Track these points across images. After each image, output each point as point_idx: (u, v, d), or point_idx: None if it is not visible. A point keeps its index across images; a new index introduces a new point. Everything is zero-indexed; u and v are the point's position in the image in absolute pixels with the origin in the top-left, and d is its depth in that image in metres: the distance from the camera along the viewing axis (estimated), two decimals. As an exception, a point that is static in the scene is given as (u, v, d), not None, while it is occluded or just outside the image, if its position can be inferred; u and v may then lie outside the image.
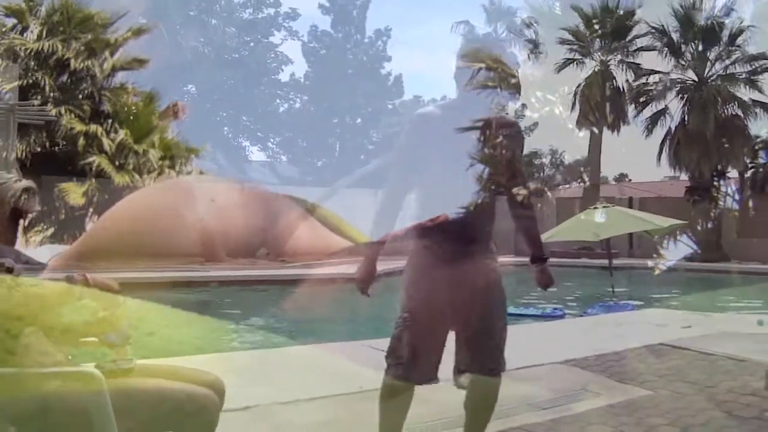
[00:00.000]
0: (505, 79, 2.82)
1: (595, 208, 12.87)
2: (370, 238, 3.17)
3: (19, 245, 2.58)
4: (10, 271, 2.33)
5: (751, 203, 22.12)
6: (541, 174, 26.22)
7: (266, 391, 4.32)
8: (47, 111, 18.03)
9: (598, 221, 12.36)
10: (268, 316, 10.28)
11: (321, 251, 17.29)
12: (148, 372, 2.47)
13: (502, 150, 2.78)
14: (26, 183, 2.62)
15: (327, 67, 58.12)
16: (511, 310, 6.21)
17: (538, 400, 4.21)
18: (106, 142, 19.22)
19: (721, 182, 21.72)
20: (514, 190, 2.91)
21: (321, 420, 3.91)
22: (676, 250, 21.04)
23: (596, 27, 23.08)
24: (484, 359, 2.91)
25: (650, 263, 13.60)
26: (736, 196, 22.24)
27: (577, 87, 23.38)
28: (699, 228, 21.30)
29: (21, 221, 2.61)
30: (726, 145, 20.84)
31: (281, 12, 59.42)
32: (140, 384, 2.36)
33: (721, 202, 21.95)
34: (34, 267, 2.43)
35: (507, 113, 2.90)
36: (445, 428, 3.67)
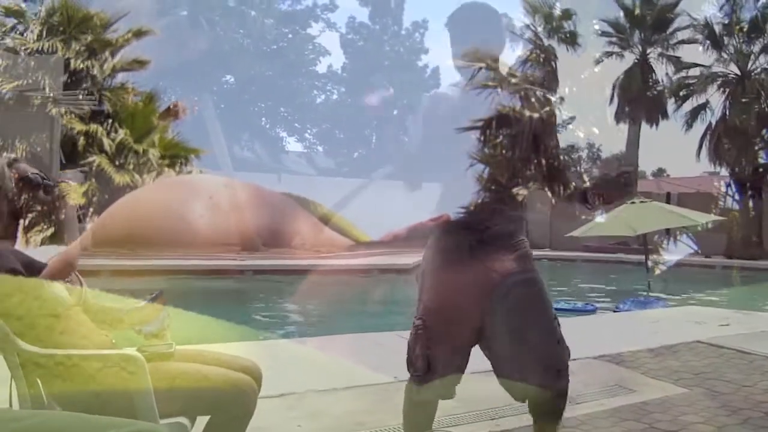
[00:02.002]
0: (505, 80, 2.75)
1: (633, 202, 12.71)
2: (370, 238, 3.09)
3: (19, 245, 2.66)
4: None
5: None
6: (578, 168, 25.95)
7: (302, 379, 4.38)
8: (94, 99, 18.22)
9: (636, 216, 12.21)
10: (303, 305, 10.37)
11: (342, 243, 17.40)
12: (187, 357, 2.53)
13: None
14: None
15: (364, 58, 58.14)
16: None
17: (572, 395, 4.20)
18: (106, 142, 19.42)
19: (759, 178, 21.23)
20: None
21: (355, 409, 3.95)
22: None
23: (637, 19, 22.73)
24: (542, 360, 2.66)
25: (650, 263, 13.43)
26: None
27: (616, 80, 23.07)
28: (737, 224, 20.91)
29: (21, 221, 2.68)
30: (768, 141, 20.42)
31: (319, 3, 59.59)
32: (180, 368, 2.42)
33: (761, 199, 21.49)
34: (38, 266, 2.49)
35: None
36: (474, 420, 3.69)
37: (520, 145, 2.66)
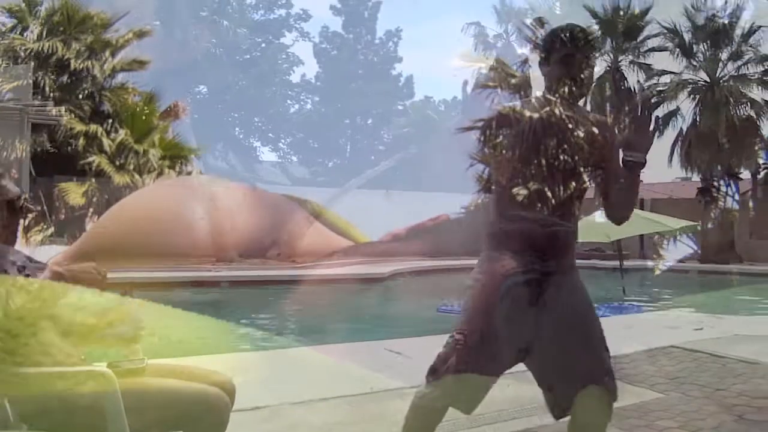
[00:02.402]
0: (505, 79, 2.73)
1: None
2: (370, 239, 3.02)
3: (19, 245, 2.61)
4: (21, 270, 2.36)
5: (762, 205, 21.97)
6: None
7: (277, 392, 4.33)
8: (61, 112, 18.17)
9: (610, 223, 12.29)
10: (279, 316, 10.31)
11: (322, 251, 17.35)
12: (159, 372, 2.49)
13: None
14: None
15: (338, 68, 58.28)
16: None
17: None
18: (106, 142, 19.31)
19: (731, 183, 21.55)
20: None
21: (332, 421, 3.92)
22: (677, 251, 20.94)
23: (607, 27, 22.99)
24: (600, 364, 2.61)
25: (650, 263, 13.56)
26: (736, 197, 22.05)
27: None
28: (710, 228, 21.19)
29: (21, 221, 2.63)
30: (738, 146, 20.71)
31: (293, 13, 59.76)
32: (152, 384, 2.38)
33: (733, 203, 21.81)
34: (38, 267, 2.46)
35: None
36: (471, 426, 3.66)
37: (519, 145, 2.61)
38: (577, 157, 2.59)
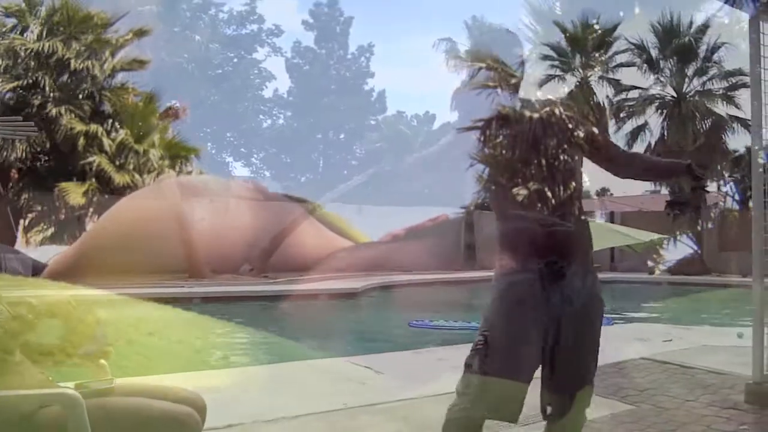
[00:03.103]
0: (505, 79, 2.73)
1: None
2: (370, 239, 2.98)
3: (19, 245, 2.58)
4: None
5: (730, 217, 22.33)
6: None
7: (249, 409, 4.30)
8: (32, 125, 17.99)
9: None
10: (250, 333, 10.23)
11: (323, 251, 17.43)
12: (128, 391, 2.46)
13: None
14: None
15: (310, 83, 58.31)
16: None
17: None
18: (106, 142, 19.24)
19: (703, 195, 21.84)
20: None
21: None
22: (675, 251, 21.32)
23: (577, 42, 23.30)
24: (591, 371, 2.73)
25: (650, 263, 13.73)
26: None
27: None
28: (678, 241, 21.50)
29: (21, 221, 2.60)
30: (705, 160, 21.05)
31: (265, 28, 59.72)
32: (120, 403, 2.35)
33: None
34: (24, 262, 2.43)
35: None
36: None
37: (520, 145, 2.60)
38: (568, 153, 2.62)
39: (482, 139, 2.65)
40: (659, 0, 22.85)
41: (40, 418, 2.14)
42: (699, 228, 21.65)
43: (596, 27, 23.03)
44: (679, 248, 21.69)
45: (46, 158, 19.05)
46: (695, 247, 21.52)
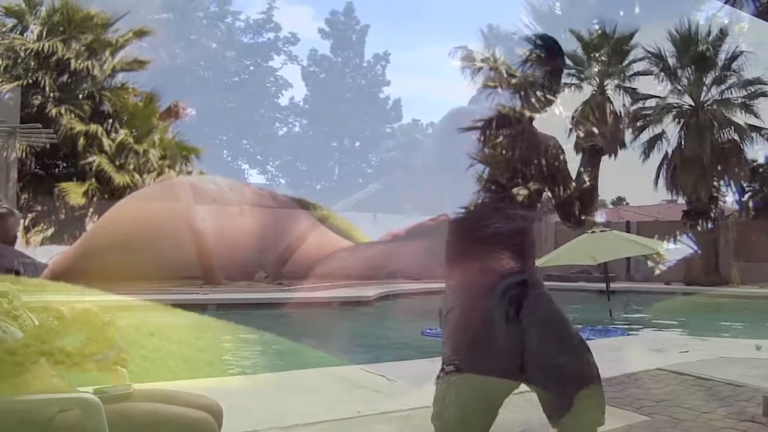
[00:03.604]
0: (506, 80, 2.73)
1: (593, 232, 12.90)
2: (370, 239, 2.97)
3: (19, 245, 2.62)
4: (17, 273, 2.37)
5: (748, 227, 22.17)
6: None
7: (264, 416, 4.31)
8: (51, 132, 18.16)
9: (596, 245, 12.41)
10: (265, 340, 10.26)
11: (325, 251, 17.49)
12: (145, 396, 2.48)
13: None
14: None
15: (326, 91, 58.49)
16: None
17: (533, 426, 4.20)
18: (106, 142, 19.35)
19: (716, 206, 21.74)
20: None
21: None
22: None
23: (593, 51, 23.24)
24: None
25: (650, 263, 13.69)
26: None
27: (575, 111, 23.46)
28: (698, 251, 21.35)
29: (21, 221, 2.65)
30: (722, 170, 20.93)
31: (281, 36, 60.00)
32: (138, 409, 2.37)
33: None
34: (36, 267, 2.47)
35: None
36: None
37: (520, 145, 2.61)
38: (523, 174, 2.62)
39: (482, 138, 2.67)
40: (669, 4, 22.76)
41: (59, 422, 2.17)
42: (715, 237, 21.46)
43: (613, 35, 22.95)
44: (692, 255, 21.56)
45: (46, 158, 19.18)
46: (713, 258, 21.36)
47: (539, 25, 36.88)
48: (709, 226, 21.43)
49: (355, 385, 5.34)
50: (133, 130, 20.08)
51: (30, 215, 19.29)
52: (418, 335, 10.33)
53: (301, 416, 4.33)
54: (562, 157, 2.75)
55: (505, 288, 2.52)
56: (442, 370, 2.49)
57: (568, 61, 23.63)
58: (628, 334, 10.50)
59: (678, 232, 21.50)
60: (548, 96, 2.76)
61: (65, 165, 19.12)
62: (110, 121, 20.16)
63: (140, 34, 21.90)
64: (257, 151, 59.87)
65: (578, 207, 2.76)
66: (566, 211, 2.81)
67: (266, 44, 59.67)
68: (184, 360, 6.59)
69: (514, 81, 2.75)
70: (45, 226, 19.55)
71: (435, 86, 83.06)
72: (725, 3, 5.17)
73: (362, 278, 17.16)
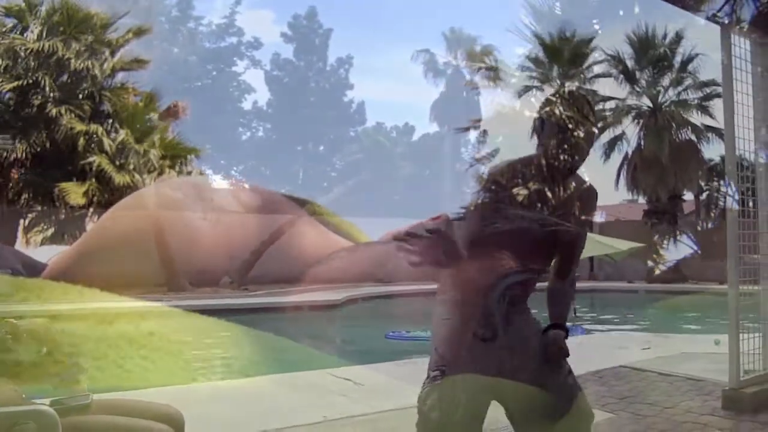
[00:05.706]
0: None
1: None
2: (369, 239, 2.84)
3: (19, 245, 2.56)
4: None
5: (707, 225, 22.58)
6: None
7: (229, 424, 4.27)
8: (7, 138, 17.94)
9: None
10: (230, 347, 10.16)
11: (324, 251, 17.42)
12: (105, 408, 2.43)
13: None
14: None
15: (290, 95, 58.27)
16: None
17: (498, 426, 4.21)
18: (106, 142, 19.14)
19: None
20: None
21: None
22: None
23: (554, 54, 23.50)
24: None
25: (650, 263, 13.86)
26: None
27: (538, 112, 23.65)
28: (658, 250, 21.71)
29: (21, 221, 2.58)
30: (681, 169, 21.30)
31: (244, 41, 59.58)
32: (97, 421, 2.32)
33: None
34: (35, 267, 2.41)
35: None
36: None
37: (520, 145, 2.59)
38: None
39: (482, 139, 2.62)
40: (648, 6, 23.10)
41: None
42: (675, 236, 21.86)
43: (573, 39, 23.24)
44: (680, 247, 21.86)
45: (47, 158, 18.95)
46: (695, 247, 21.74)
47: (539, 25, 37.28)
48: (669, 224, 21.80)
49: (324, 390, 5.31)
50: (137, 125, 19.92)
51: (30, 215, 19.03)
52: (383, 338, 10.35)
53: (267, 422, 4.29)
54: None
55: (500, 294, 2.47)
56: (428, 375, 2.42)
57: (529, 63, 23.91)
58: (592, 333, 10.63)
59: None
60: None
61: (66, 165, 18.86)
62: (110, 121, 20.00)
63: (139, 33, 21.72)
64: (220, 156, 59.36)
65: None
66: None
67: (229, 49, 59.23)
68: (142, 368, 6.50)
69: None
70: (45, 226, 19.30)
71: (398, 89, 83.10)
72: (680, 7, 5.22)
73: (362, 279, 17.27)
